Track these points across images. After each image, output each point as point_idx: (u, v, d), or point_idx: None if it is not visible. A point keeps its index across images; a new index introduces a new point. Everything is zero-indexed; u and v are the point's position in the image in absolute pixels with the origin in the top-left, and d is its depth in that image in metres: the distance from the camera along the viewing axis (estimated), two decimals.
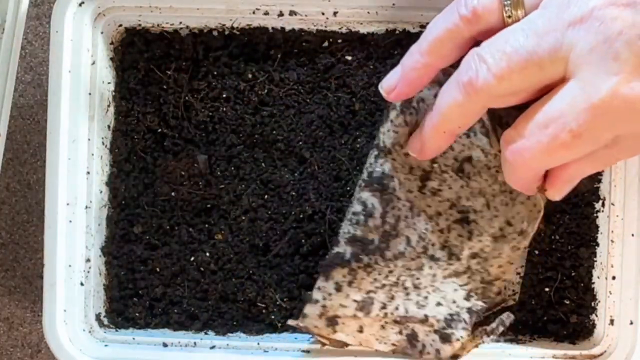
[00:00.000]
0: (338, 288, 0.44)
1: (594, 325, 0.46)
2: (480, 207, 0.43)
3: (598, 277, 0.46)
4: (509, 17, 0.36)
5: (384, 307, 0.44)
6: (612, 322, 0.45)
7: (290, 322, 0.44)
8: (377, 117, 0.46)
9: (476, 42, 0.37)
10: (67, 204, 0.45)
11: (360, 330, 0.44)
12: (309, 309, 0.44)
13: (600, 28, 0.33)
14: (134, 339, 0.46)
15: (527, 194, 0.41)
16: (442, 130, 0.39)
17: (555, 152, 0.35)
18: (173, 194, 0.47)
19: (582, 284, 0.47)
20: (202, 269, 0.47)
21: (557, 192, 0.39)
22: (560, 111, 0.34)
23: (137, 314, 0.47)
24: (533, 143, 0.35)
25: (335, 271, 0.43)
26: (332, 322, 0.44)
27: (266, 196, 0.47)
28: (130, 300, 0.48)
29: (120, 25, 0.47)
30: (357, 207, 0.43)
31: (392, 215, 0.43)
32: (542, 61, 0.34)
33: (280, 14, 0.45)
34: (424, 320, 0.44)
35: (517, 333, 0.47)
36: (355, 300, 0.44)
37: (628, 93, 0.33)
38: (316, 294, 0.44)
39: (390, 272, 0.44)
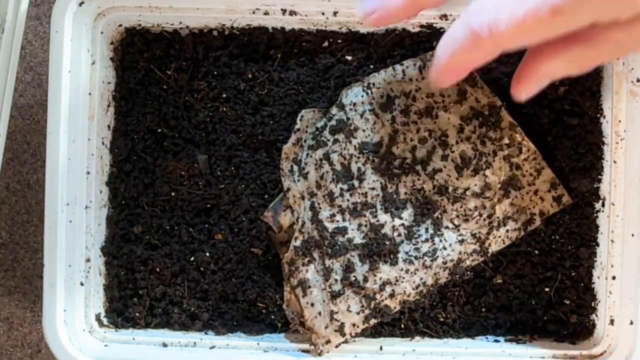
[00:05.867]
0: None
1: (594, 325, 0.46)
2: None
3: (598, 277, 0.46)
4: None
5: None
6: (612, 322, 0.45)
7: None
8: None
9: None
10: (67, 204, 0.45)
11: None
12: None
13: None
14: (134, 339, 0.46)
15: (455, 80, 0.38)
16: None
17: (531, 28, 0.32)
18: (173, 194, 0.47)
19: (582, 284, 0.47)
20: (202, 269, 0.47)
21: (525, 90, 0.37)
22: None
23: (137, 314, 0.47)
24: (507, 15, 0.32)
25: None
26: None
27: (266, 196, 0.47)
28: (130, 300, 0.48)
29: (120, 25, 0.47)
30: None
31: None
32: None
33: (281, 14, 0.45)
34: None
35: (517, 333, 0.47)
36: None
37: None
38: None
39: None
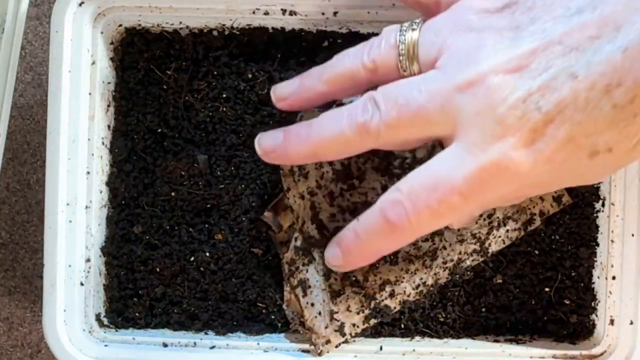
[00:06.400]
0: None
1: (594, 325, 0.46)
2: None
3: (598, 277, 0.46)
4: (404, 70, 0.37)
5: None
6: (612, 322, 0.45)
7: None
8: None
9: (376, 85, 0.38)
10: (67, 204, 0.45)
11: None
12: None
13: (486, 94, 0.33)
14: (134, 339, 0.46)
15: (364, 264, 0.42)
16: (313, 151, 0.39)
17: (445, 216, 0.35)
18: (173, 194, 0.47)
19: (582, 284, 0.47)
20: (202, 269, 0.47)
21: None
22: (448, 174, 0.34)
23: (137, 314, 0.47)
24: (422, 207, 0.35)
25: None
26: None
27: (266, 196, 0.47)
28: (130, 300, 0.48)
29: (120, 25, 0.47)
30: None
31: None
32: (430, 118, 0.35)
33: (281, 14, 0.45)
34: None
35: (517, 333, 0.47)
36: None
37: (513, 158, 0.33)
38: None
39: None
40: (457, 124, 0.35)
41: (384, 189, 0.44)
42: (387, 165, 0.44)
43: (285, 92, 0.42)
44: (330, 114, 0.39)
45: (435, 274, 0.45)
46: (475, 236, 0.45)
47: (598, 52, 0.32)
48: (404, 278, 0.45)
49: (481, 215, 0.44)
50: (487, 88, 0.33)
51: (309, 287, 0.45)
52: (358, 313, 0.45)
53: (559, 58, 0.32)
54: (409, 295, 0.45)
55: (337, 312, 0.45)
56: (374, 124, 0.36)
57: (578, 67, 0.32)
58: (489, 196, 0.35)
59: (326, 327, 0.45)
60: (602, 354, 0.45)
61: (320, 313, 0.45)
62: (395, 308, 0.45)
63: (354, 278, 0.44)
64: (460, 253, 0.45)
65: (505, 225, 0.45)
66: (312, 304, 0.45)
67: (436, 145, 0.44)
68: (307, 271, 0.45)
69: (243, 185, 0.47)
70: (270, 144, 0.41)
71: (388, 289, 0.45)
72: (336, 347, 0.45)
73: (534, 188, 0.36)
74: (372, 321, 0.45)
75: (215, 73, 0.47)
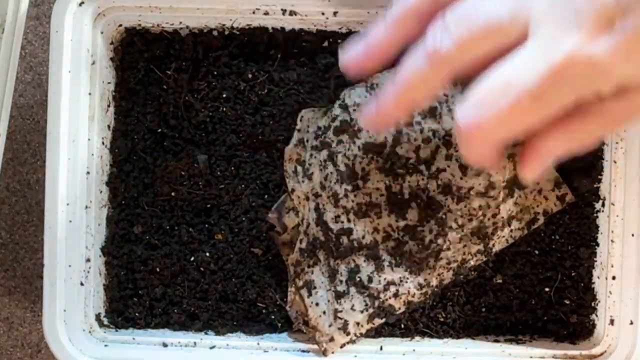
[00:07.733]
0: None
1: (594, 325, 0.46)
2: None
3: (598, 277, 0.46)
4: None
5: None
6: (612, 322, 0.45)
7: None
8: None
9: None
10: (67, 204, 0.45)
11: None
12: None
13: None
14: (134, 339, 0.46)
15: (490, 168, 0.40)
16: (404, 99, 0.37)
17: (516, 118, 0.33)
18: (173, 194, 0.47)
19: (582, 284, 0.47)
20: (202, 269, 0.47)
21: (530, 171, 0.37)
22: (519, 73, 0.32)
23: (137, 314, 0.47)
24: (491, 110, 0.33)
25: None
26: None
27: (266, 196, 0.47)
28: (130, 300, 0.48)
29: (120, 25, 0.47)
30: None
31: None
32: (502, 23, 0.33)
33: (281, 14, 0.45)
34: None
35: (517, 333, 0.47)
36: None
37: (589, 52, 0.31)
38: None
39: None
40: (530, 22, 0.33)
41: (388, 189, 0.44)
42: (391, 165, 0.44)
43: (354, 56, 0.39)
44: (408, 56, 0.37)
45: (439, 275, 0.45)
46: (480, 237, 0.45)
47: None
48: (407, 278, 0.45)
49: (485, 215, 0.44)
50: None
51: (314, 287, 0.45)
52: (362, 312, 0.45)
53: None
54: (413, 296, 0.45)
55: (341, 311, 0.45)
56: (445, 47, 0.34)
57: None
58: (563, 98, 0.33)
59: (330, 325, 0.45)
60: (602, 354, 0.45)
61: (324, 312, 0.45)
62: (399, 308, 0.45)
63: (358, 279, 0.44)
64: (464, 254, 0.45)
65: (509, 225, 0.45)
66: (317, 304, 0.45)
67: (440, 146, 0.44)
68: (312, 272, 0.45)
69: (243, 185, 0.47)
70: (371, 112, 0.39)
71: (392, 289, 0.45)
72: (341, 347, 0.45)
73: (612, 87, 0.33)
74: (377, 321, 0.45)
75: (215, 73, 0.47)
